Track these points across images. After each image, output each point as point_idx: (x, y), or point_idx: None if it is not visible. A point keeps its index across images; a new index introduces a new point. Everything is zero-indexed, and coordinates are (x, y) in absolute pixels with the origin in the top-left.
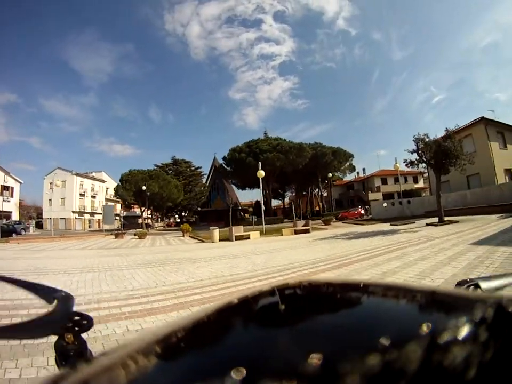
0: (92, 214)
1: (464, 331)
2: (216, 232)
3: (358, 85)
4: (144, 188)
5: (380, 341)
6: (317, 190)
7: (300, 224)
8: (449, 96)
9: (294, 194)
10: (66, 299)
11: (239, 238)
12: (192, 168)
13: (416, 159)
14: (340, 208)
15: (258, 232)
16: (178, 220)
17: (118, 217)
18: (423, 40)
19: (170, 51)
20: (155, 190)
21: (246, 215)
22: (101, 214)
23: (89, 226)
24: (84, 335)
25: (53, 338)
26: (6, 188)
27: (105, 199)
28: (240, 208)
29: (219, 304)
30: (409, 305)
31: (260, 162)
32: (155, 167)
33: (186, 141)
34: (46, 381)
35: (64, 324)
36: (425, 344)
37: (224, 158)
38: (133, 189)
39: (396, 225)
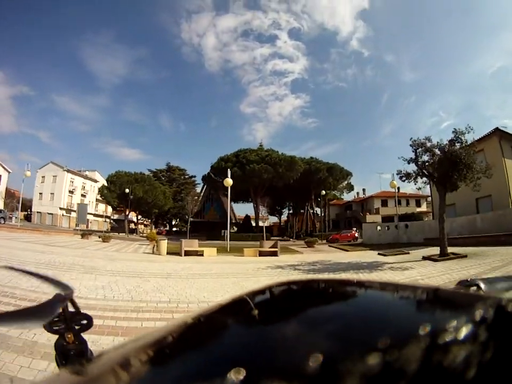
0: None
1: (464, 331)
2: (163, 244)
3: (368, 106)
4: (127, 190)
5: (380, 340)
6: (314, 208)
7: (268, 245)
8: (457, 122)
9: (290, 211)
10: (65, 290)
11: (191, 253)
12: (186, 176)
13: (414, 171)
14: (336, 228)
15: (215, 249)
16: (170, 229)
17: (108, 219)
18: (433, 63)
19: (185, 60)
20: (139, 194)
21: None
22: (90, 213)
23: (77, 225)
24: (84, 335)
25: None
26: None
27: (96, 199)
28: (234, 221)
29: (218, 304)
30: (409, 305)
31: (245, 173)
32: (149, 172)
33: (195, 150)
34: (46, 381)
35: (54, 314)
36: (425, 344)
37: (211, 167)
38: (117, 191)
39: (385, 255)
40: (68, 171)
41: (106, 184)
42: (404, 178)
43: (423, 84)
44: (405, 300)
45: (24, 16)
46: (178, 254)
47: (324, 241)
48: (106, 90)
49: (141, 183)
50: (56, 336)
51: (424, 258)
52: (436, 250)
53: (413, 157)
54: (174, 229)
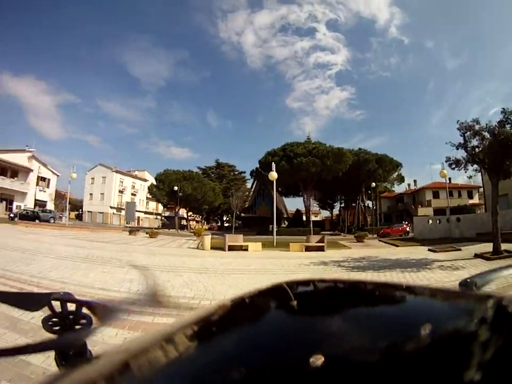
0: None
1: (464, 331)
2: (207, 239)
3: (414, 95)
4: (176, 188)
5: (379, 340)
6: (365, 201)
7: (315, 239)
8: (506, 107)
9: (342, 205)
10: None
11: (235, 248)
12: (236, 172)
13: (463, 158)
14: (388, 222)
15: (260, 244)
16: (221, 224)
17: (159, 216)
18: (475, 47)
19: (226, 59)
20: (188, 191)
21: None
22: (140, 211)
23: (127, 222)
24: None
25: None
26: (42, 179)
27: (146, 197)
28: (286, 216)
29: (218, 304)
30: (409, 305)
31: (292, 167)
32: (198, 169)
33: (243, 147)
34: (46, 381)
35: (41, 307)
36: (425, 344)
37: (259, 162)
38: (166, 188)
39: (435, 251)
40: (117, 172)
41: (155, 182)
42: (453, 166)
43: (467, 70)
44: (405, 300)
45: (64, 31)
46: (223, 249)
47: (375, 235)
48: (151, 93)
49: (189, 180)
50: (56, 336)
51: (476, 256)
52: (488, 246)
53: (462, 141)
54: (226, 224)
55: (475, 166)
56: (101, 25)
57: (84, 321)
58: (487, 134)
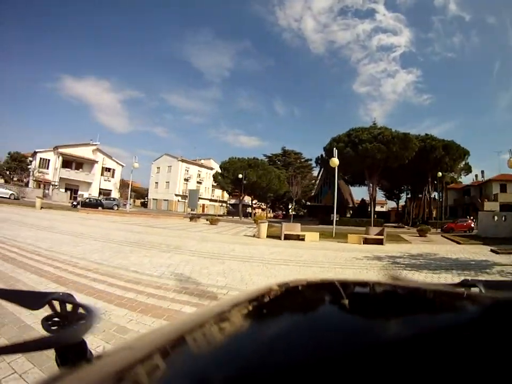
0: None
1: (464, 331)
2: (263, 227)
3: (480, 77)
4: (240, 176)
5: (379, 340)
6: (431, 193)
7: (374, 231)
8: None
9: (408, 196)
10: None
11: (292, 237)
12: (302, 160)
13: None
14: (453, 216)
15: (318, 234)
16: (287, 212)
17: (224, 204)
18: None
19: (289, 46)
20: (253, 179)
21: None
22: (205, 199)
23: (192, 210)
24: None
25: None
26: (107, 169)
27: (212, 185)
28: (352, 206)
29: (218, 304)
30: (409, 305)
31: (357, 153)
32: (264, 157)
33: (311, 134)
34: (46, 381)
35: (42, 306)
36: (425, 344)
37: (324, 149)
38: (230, 176)
39: (497, 252)
40: (183, 161)
41: (220, 171)
42: None
43: None
44: (404, 300)
45: (126, 32)
46: (280, 238)
47: (439, 229)
48: (216, 84)
49: (254, 168)
50: None
51: None
52: None
53: None
54: (292, 213)
55: None
56: (160, 21)
57: (82, 322)
58: None
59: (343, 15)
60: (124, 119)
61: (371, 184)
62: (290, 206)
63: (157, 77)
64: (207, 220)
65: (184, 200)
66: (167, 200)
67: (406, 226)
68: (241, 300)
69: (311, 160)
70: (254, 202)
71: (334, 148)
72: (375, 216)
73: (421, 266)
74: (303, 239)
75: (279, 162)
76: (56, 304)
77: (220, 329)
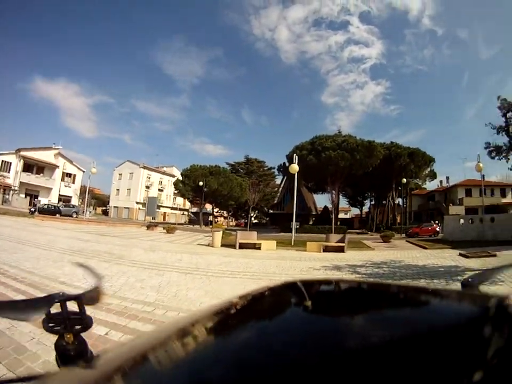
0: (158, 206)
1: (464, 331)
2: (217, 235)
3: (449, 88)
4: (201, 183)
5: (379, 340)
6: (395, 199)
7: (335, 239)
8: None
9: (372, 202)
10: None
11: (247, 246)
12: (265, 168)
13: (505, 144)
14: (418, 221)
15: (275, 242)
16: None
17: (186, 212)
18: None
19: (261, 55)
20: (214, 187)
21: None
22: (167, 207)
23: (153, 218)
24: (83, 335)
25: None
26: (68, 175)
27: (174, 193)
28: (315, 213)
29: (217, 304)
30: (409, 305)
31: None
32: (227, 165)
33: (277, 143)
34: (46, 381)
35: (47, 311)
36: (425, 344)
37: (287, 156)
38: (191, 184)
39: (467, 256)
40: (144, 167)
41: (181, 178)
42: (493, 154)
43: (503, 60)
44: (404, 300)
45: (99, 36)
46: (235, 246)
47: (403, 235)
48: (186, 92)
49: (215, 176)
50: (56, 336)
51: None
52: None
53: (504, 123)
54: (254, 221)
55: None
56: (134, 26)
57: (84, 321)
58: None
59: (317, 26)
60: (92, 124)
61: (333, 192)
62: (253, 214)
63: (129, 83)
64: (164, 228)
65: (144, 208)
66: (128, 208)
67: (369, 233)
68: (240, 299)
69: (274, 168)
70: (215, 210)
71: (295, 155)
72: (338, 223)
73: (384, 276)
74: (259, 248)
75: (241, 171)
76: (57, 304)
77: (219, 329)
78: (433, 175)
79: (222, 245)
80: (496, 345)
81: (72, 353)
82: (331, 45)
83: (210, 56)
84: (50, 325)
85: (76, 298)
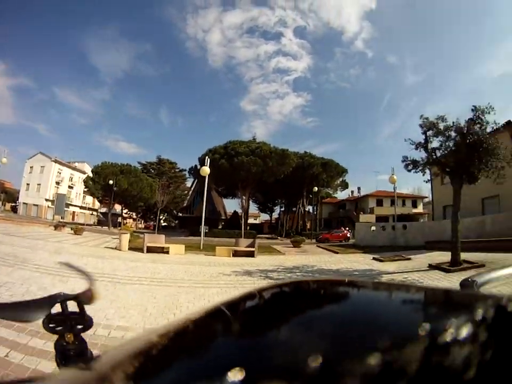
0: (67, 205)
1: (464, 331)
2: (124, 238)
3: (369, 107)
4: (111, 182)
5: (379, 341)
6: (306, 206)
7: (245, 243)
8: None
9: (282, 209)
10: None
11: (156, 250)
12: (176, 170)
13: (422, 159)
14: (328, 228)
15: (183, 246)
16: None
17: (95, 212)
18: (436, 67)
19: (189, 55)
20: (124, 186)
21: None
22: (76, 206)
23: (62, 218)
24: (84, 335)
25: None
26: None
27: (83, 191)
28: (224, 218)
29: (216, 304)
30: (409, 305)
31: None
32: (139, 164)
33: (192, 146)
34: (47, 381)
35: (50, 311)
36: (425, 344)
37: (199, 159)
38: (101, 182)
39: (381, 260)
40: (56, 161)
41: (91, 175)
42: (410, 167)
43: (425, 87)
44: (404, 300)
45: (28, 8)
46: (142, 250)
47: (313, 240)
48: (108, 84)
49: (126, 175)
50: (56, 336)
51: (432, 267)
52: (440, 256)
53: (423, 140)
54: (163, 223)
55: (434, 169)
56: (64, 10)
57: (84, 320)
58: (453, 134)
59: (250, 33)
60: (8, 109)
61: (244, 197)
62: (162, 217)
63: (54, 67)
64: (71, 229)
65: (53, 206)
66: (37, 205)
67: (279, 238)
68: (240, 299)
69: (185, 170)
70: (124, 211)
71: (207, 157)
72: (248, 228)
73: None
74: (167, 252)
75: (153, 171)
76: (57, 304)
77: (218, 329)
78: (345, 185)
79: (130, 248)
80: (496, 345)
81: (72, 353)
82: (260, 54)
83: (140, 50)
84: (51, 325)
85: (75, 298)
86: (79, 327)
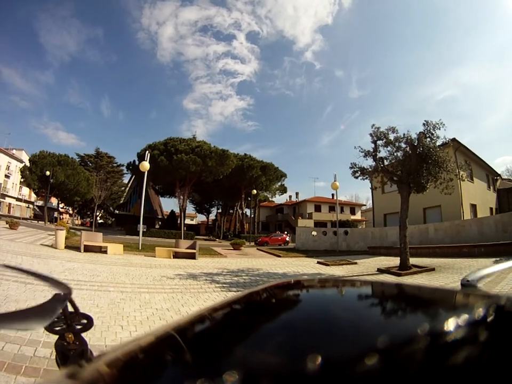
0: (3, 196)
1: (464, 331)
2: (60, 235)
3: (310, 116)
4: (48, 173)
5: (379, 340)
6: (243, 208)
7: (185, 245)
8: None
9: (219, 210)
10: (63, 290)
11: (93, 249)
12: (114, 165)
13: (370, 166)
14: (265, 231)
15: (122, 246)
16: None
17: (31, 205)
18: (380, 85)
19: (138, 46)
20: (61, 179)
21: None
22: (12, 197)
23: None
24: (84, 335)
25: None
26: None
27: (20, 182)
28: (161, 217)
29: (214, 305)
30: (408, 304)
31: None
32: (76, 155)
33: (131, 140)
34: (47, 381)
35: (55, 315)
36: (424, 344)
37: (137, 155)
38: (38, 173)
39: (327, 264)
40: None
41: (28, 164)
42: (357, 174)
43: (368, 102)
44: (405, 300)
45: None
46: (79, 249)
47: (252, 243)
48: (53, 67)
49: (63, 167)
50: (56, 336)
51: (381, 271)
52: (385, 260)
53: (372, 149)
54: (100, 220)
55: (380, 177)
56: None
57: (84, 320)
58: (403, 145)
59: (203, 32)
60: None
61: (181, 196)
62: (99, 214)
63: (2, 42)
64: (6, 223)
65: None
66: None
67: (217, 240)
68: (240, 299)
69: (123, 165)
70: (61, 206)
71: (147, 152)
72: (185, 228)
73: (246, 284)
74: (105, 252)
75: (90, 164)
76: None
77: (218, 329)
78: (283, 190)
79: (66, 247)
80: (496, 344)
81: (72, 353)
82: (209, 53)
83: (90, 34)
84: (51, 325)
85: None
86: (80, 327)
